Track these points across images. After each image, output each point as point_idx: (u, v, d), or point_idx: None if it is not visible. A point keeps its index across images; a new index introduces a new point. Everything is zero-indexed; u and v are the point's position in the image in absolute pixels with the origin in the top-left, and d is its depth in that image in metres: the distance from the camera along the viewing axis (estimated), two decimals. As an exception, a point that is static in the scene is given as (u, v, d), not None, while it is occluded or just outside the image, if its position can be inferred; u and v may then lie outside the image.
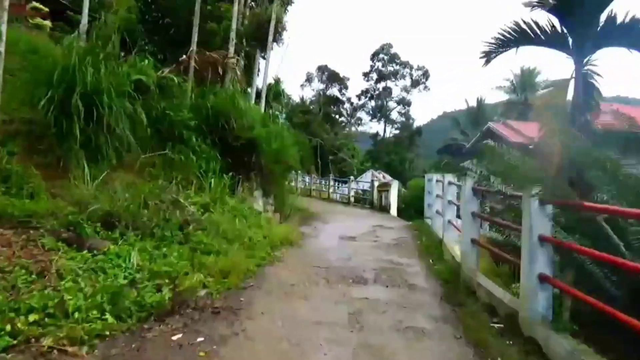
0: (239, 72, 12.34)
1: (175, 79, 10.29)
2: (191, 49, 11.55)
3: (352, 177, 21.87)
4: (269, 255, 7.33)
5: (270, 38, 13.75)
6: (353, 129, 61.92)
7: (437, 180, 9.81)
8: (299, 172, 31.20)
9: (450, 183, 7.96)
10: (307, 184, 25.29)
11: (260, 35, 14.09)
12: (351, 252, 8.09)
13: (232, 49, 12.44)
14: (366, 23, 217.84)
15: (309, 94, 59.28)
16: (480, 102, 48.50)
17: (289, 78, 70.53)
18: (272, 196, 13.44)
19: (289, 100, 54.77)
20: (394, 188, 17.20)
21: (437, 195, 9.76)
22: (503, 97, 48.08)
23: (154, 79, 9.66)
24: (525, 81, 43.67)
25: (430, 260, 7.59)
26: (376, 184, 18.53)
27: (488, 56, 11.21)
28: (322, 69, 57.60)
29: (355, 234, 10.24)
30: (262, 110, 13.77)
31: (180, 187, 8.41)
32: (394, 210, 17.01)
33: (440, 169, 42.11)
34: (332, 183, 22.42)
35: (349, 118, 61.59)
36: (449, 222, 7.92)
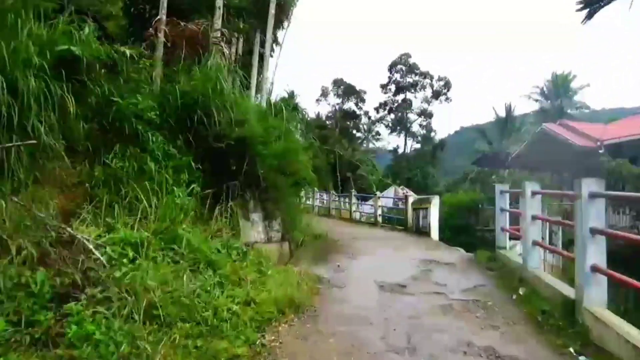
0: (226, 51, 8.77)
1: (128, 52, 6.76)
2: (159, 17, 8.07)
3: (378, 193, 18.03)
4: (251, 346, 3.58)
5: (272, 12, 10.23)
6: (371, 145, 58.46)
7: (533, 193, 5.93)
8: (315, 188, 27.52)
9: (594, 196, 4.08)
10: (325, 202, 21.53)
11: (259, 9, 10.61)
12: (408, 326, 4.26)
13: (218, 21, 8.92)
14: (383, 35, 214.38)
15: (325, 109, 56.23)
16: (509, 110, 44.50)
17: (302, 85, 67.72)
18: (279, 219, 9.79)
19: (304, 116, 51.51)
20: (435, 205, 13.29)
21: (535, 217, 5.91)
22: (531, 105, 44.10)
23: (99, 54, 6.18)
24: (560, 87, 39.72)
25: (572, 350, 3.72)
26: (411, 199, 14.59)
27: (589, 6, 7.45)
28: (337, 83, 54.56)
29: (402, 279, 6.36)
30: (263, 104, 10.18)
31: (123, 210, 4.93)
32: (435, 234, 13.09)
33: (473, 181, 37.89)
34: (354, 200, 18.59)
35: (366, 134, 58.18)
36: (595, 269, 4.05)
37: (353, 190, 20.55)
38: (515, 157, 17.87)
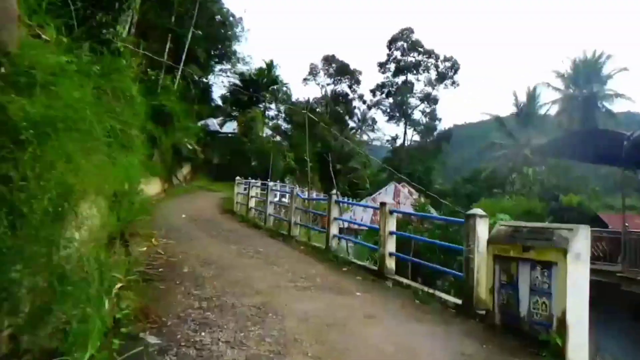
0: None
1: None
2: None
3: (386, 200, 8.64)
4: None
5: None
6: (365, 137, 48.90)
7: None
8: (280, 182, 17.95)
9: None
10: (286, 211, 12.11)
11: None
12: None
13: None
14: (384, 8, 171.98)
15: (314, 91, 46.87)
16: (533, 95, 35.29)
17: (287, 64, 57.76)
18: None
19: (287, 92, 41.75)
20: (579, 261, 3.99)
21: None
22: (551, 93, 35.23)
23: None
24: (590, 71, 31.14)
25: None
26: (482, 230, 5.16)
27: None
28: (329, 60, 44.89)
29: None
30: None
31: None
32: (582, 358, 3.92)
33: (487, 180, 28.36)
34: (335, 212, 9.03)
35: (359, 123, 48.67)
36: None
37: (335, 190, 11.09)
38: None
